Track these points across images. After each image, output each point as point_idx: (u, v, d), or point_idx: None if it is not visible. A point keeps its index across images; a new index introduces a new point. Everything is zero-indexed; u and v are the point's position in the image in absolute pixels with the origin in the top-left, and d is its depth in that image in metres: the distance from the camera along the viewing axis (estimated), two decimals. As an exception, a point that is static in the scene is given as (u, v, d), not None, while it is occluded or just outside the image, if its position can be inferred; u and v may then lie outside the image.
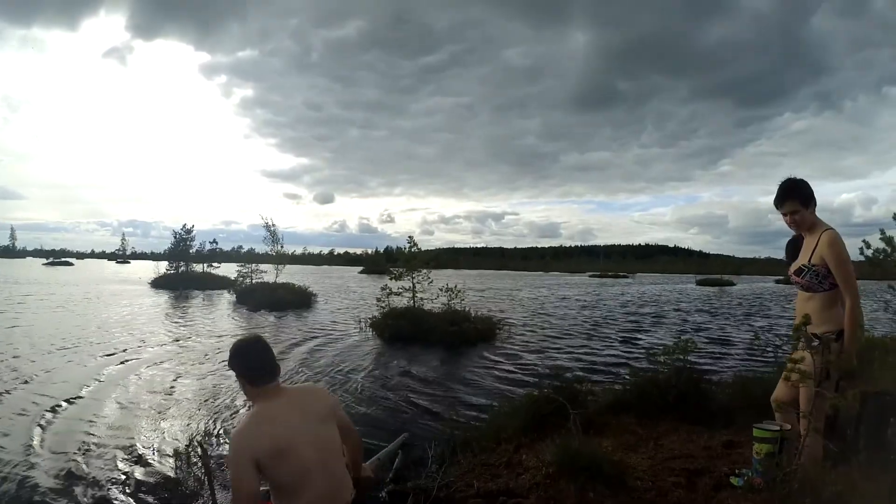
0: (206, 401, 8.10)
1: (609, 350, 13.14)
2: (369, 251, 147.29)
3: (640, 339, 15.06)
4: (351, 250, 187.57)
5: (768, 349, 12.06)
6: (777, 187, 3.81)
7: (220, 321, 18.86)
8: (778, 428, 3.76)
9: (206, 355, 11.86)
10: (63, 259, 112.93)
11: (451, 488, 4.37)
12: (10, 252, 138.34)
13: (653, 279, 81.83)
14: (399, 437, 5.94)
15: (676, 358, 6.42)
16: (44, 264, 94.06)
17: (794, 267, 3.79)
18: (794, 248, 4.03)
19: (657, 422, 5.75)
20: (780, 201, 3.80)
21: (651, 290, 44.90)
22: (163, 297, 29.67)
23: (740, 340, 14.94)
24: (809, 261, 3.63)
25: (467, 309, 15.63)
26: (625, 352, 12.87)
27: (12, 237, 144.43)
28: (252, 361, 2.89)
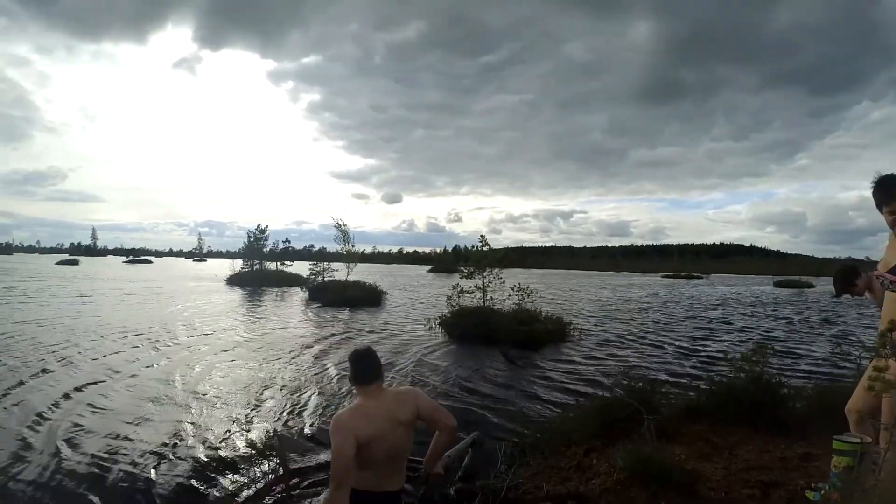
0: (284, 392, 8.41)
1: (681, 354, 12.87)
2: (437, 250, 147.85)
3: (714, 344, 14.63)
4: (419, 249, 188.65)
5: (850, 357, 11.65)
6: (875, 181, 3.54)
7: (294, 317, 19.34)
8: (859, 440, 3.61)
9: (284, 349, 12.32)
10: (142, 257, 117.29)
11: (521, 490, 4.41)
12: (92, 251, 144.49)
13: (728, 280, 79.39)
14: (469, 436, 5.98)
15: (753, 365, 6.28)
16: (124, 262, 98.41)
17: (889, 265, 3.59)
18: (845, 277, 3.90)
19: (732, 431, 5.60)
20: (888, 199, 3.49)
21: (726, 292, 43.55)
22: (238, 294, 30.70)
23: (819, 346, 14.34)
24: None
25: (538, 309, 15.55)
26: (698, 356, 12.57)
27: (94, 237, 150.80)
28: (359, 367, 3.80)
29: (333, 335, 15.01)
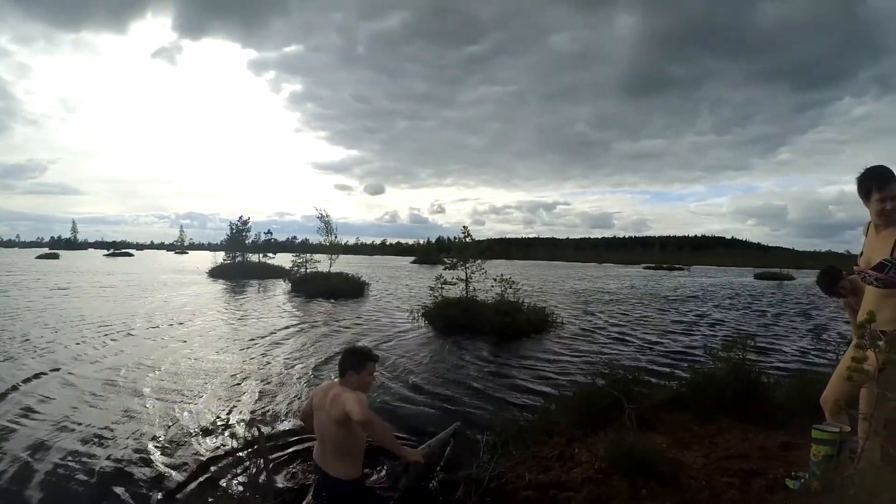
0: (257, 382, 8.34)
1: (663, 344, 12.94)
2: (421, 241, 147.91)
3: (695, 335, 14.76)
4: (402, 240, 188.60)
5: (829, 348, 11.76)
6: (863, 172, 3.59)
7: (275, 309, 19.24)
8: (838, 430, 3.64)
9: (264, 338, 12.30)
10: (123, 250, 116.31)
11: (503, 479, 4.41)
12: (72, 244, 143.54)
13: (709, 272, 79.93)
14: (451, 427, 5.98)
15: (734, 355, 6.33)
16: (105, 255, 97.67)
17: (872, 261, 3.59)
18: (828, 278, 3.90)
19: (713, 420, 5.67)
20: (881, 184, 3.51)
21: (707, 284, 43.98)
22: (219, 286, 30.52)
23: (796, 338, 14.53)
24: (893, 255, 3.44)
25: (520, 300, 15.56)
26: (680, 347, 12.66)
27: (74, 230, 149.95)
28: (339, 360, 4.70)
29: (313, 327, 14.92)
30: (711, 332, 15.22)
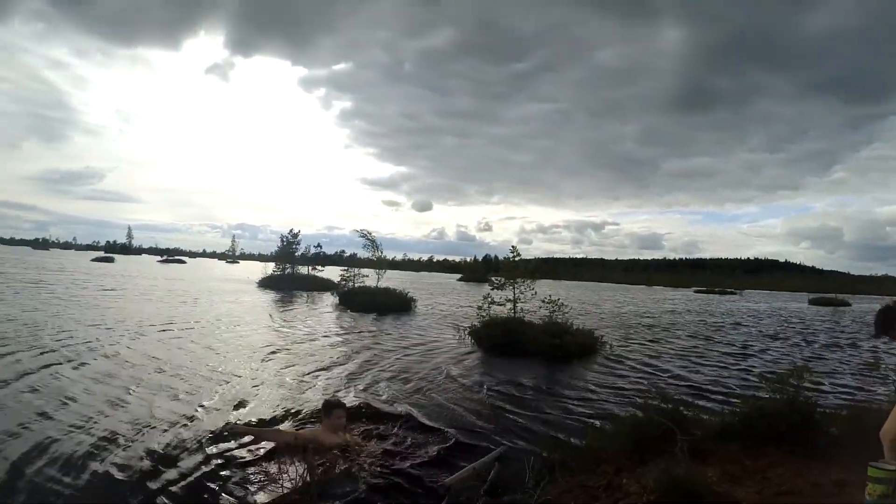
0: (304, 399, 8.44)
1: (714, 372, 12.68)
2: (468, 259, 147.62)
3: (749, 362, 14.46)
4: (449, 257, 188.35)
5: (887, 380, 11.39)
6: None
7: (323, 322, 19.55)
8: (895, 468, 3.54)
9: (314, 355, 12.45)
10: (176, 257, 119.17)
11: (548, 507, 4.36)
12: (127, 249, 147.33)
13: (762, 297, 77.64)
14: (496, 450, 5.97)
15: (789, 386, 6.17)
16: (158, 261, 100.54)
17: None
18: (886, 318, 3.79)
19: (764, 453, 5.48)
20: None
21: (761, 309, 42.82)
22: (269, 297, 31.13)
23: (854, 367, 14.06)
24: None
25: (569, 322, 15.38)
26: (732, 375, 12.39)
27: (129, 236, 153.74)
28: None
29: (360, 341, 15.18)
30: (762, 361, 14.80)
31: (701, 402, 8.73)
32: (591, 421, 7.74)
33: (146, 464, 5.56)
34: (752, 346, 18.21)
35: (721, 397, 9.52)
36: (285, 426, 7.13)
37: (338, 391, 9.14)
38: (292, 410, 7.85)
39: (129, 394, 8.24)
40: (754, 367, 13.45)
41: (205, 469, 5.51)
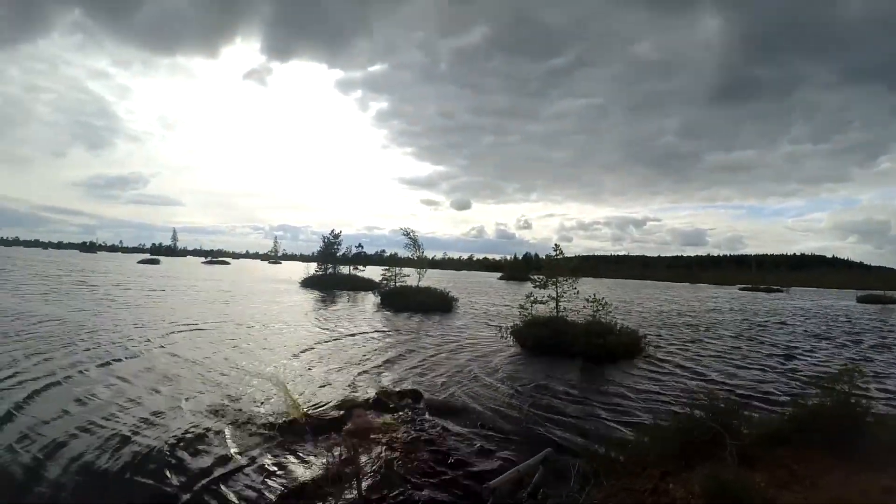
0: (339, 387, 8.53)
1: (758, 375, 12.40)
2: (508, 257, 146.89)
3: (797, 362, 14.17)
4: (489, 256, 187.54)
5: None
6: None
7: (366, 321, 19.70)
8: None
9: (356, 353, 12.53)
10: (220, 258, 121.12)
11: (594, 511, 4.35)
12: (172, 251, 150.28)
13: (808, 294, 75.92)
14: (542, 452, 5.97)
15: (839, 390, 6.02)
16: (202, 262, 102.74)
17: None
18: None
19: (813, 458, 5.40)
20: None
21: (806, 307, 41.70)
22: (312, 296, 31.65)
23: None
24: None
25: (612, 321, 15.22)
26: (779, 375, 12.16)
27: (174, 238, 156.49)
28: None
29: (402, 340, 15.35)
30: (807, 363, 14.37)
31: (751, 403, 8.62)
32: (636, 423, 7.72)
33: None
34: (797, 347, 17.66)
35: (765, 401, 9.37)
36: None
37: (378, 388, 9.27)
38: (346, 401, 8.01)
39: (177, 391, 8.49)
40: (799, 369, 13.13)
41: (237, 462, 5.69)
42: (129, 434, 6.57)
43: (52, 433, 6.47)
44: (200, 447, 6.29)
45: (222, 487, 5.36)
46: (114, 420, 7.07)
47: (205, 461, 5.91)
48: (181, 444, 6.36)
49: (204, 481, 5.46)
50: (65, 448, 6.06)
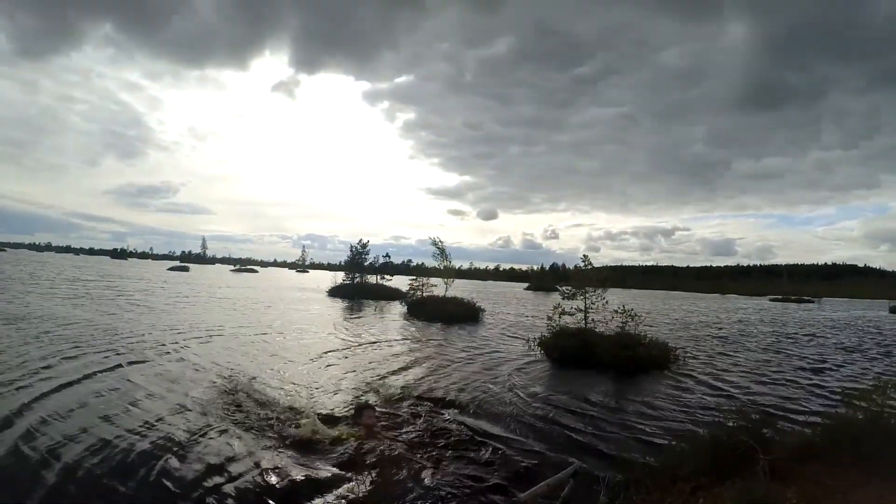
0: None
1: (793, 385, 12.31)
2: (534, 267, 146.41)
3: (829, 375, 13.97)
4: (516, 266, 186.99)
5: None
6: None
7: (392, 331, 19.79)
8: None
9: (382, 362, 12.58)
10: (248, 267, 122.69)
11: (624, 526, 4.36)
12: (201, 259, 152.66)
13: (840, 304, 74.49)
14: (571, 466, 5.98)
15: (873, 403, 5.96)
16: (231, 270, 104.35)
17: None
18: None
19: (846, 473, 5.31)
20: None
21: (837, 318, 40.77)
22: (339, 305, 31.97)
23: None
24: None
25: (642, 333, 15.09)
26: (811, 388, 12.01)
27: (203, 246, 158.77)
28: None
29: (428, 350, 15.55)
30: (837, 377, 14.02)
31: (782, 417, 8.55)
32: (666, 436, 7.70)
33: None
34: (826, 360, 17.20)
35: (792, 416, 9.25)
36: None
37: (403, 398, 9.42)
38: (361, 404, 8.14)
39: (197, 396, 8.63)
40: (826, 383, 12.86)
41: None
42: (143, 433, 6.80)
43: (55, 433, 6.72)
44: (209, 448, 6.52)
45: (227, 487, 5.54)
46: (132, 416, 7.26)
47: (212, 460, 6.14)
48: (190, 442, 6.64)
49: (208, 481, 5.65)
50: (63, 448, 6.28)
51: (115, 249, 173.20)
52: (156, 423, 7.30)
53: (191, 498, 5.28)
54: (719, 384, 12.21)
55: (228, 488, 5.47)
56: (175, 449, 6.37)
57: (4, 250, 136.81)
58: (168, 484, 5.52)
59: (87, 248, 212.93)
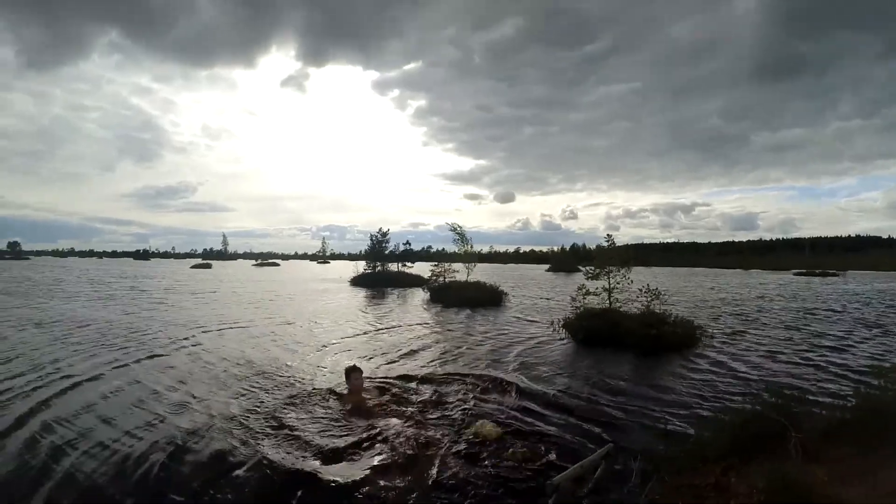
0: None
1: (821, 362, 12.20)
2: (554, 248, 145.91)
3: (858, 351, 13.82)
4: (536, 248, 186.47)
5: None
6: None
7: (417, 317, 20.09)
8: None
9: (408, 348, 12.73)
10: (270, 261, 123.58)
11: (655, 507, 4.40)
12: (223, 255, 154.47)
13: (865, 277, 73.20)
14: (603, 448, 6.04)
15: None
16: (253, 265, 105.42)
17: None
18: None
19: (875, 452, 5.29)
20: None
21: (861, 291, 39.87)
22: (363, 294, 32.56)
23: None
24: None
25: (667, 311, 14.97)
26: (840, 365, 11.88)
27: (224, 242, 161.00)
28: None
29: (453, 334, 15.78)
30: (858, 354, 13.56)
31: (812, 395, 8.46)
32: (696, 416, 7.77)
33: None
34: (848, 337, 16.58)
35: (833, 391, 9.22)
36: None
37: (442, 383, 9.46)
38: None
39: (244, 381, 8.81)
40: (848, 361, 12.47)
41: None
42: (162, 417, 6.98)
43: (62, 432, 6.98)
44: (219, 434, 6.87)
45: (238, 473, 5.77)
46: (150, 409, 7.49)
47: (221, 447, 6.46)
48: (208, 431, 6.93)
49: (219, 467, 5.93)
50: (67, 447, 6.52)
51: (138, 251, 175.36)
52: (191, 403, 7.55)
53: (190, 488, 5.46)
54: (747, 361, 12.17)
55: (225, 481, 5.64)
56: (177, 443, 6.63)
57: (28, 258, 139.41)
58: (163, 475, 5.78)
59: (110, 251, 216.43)
